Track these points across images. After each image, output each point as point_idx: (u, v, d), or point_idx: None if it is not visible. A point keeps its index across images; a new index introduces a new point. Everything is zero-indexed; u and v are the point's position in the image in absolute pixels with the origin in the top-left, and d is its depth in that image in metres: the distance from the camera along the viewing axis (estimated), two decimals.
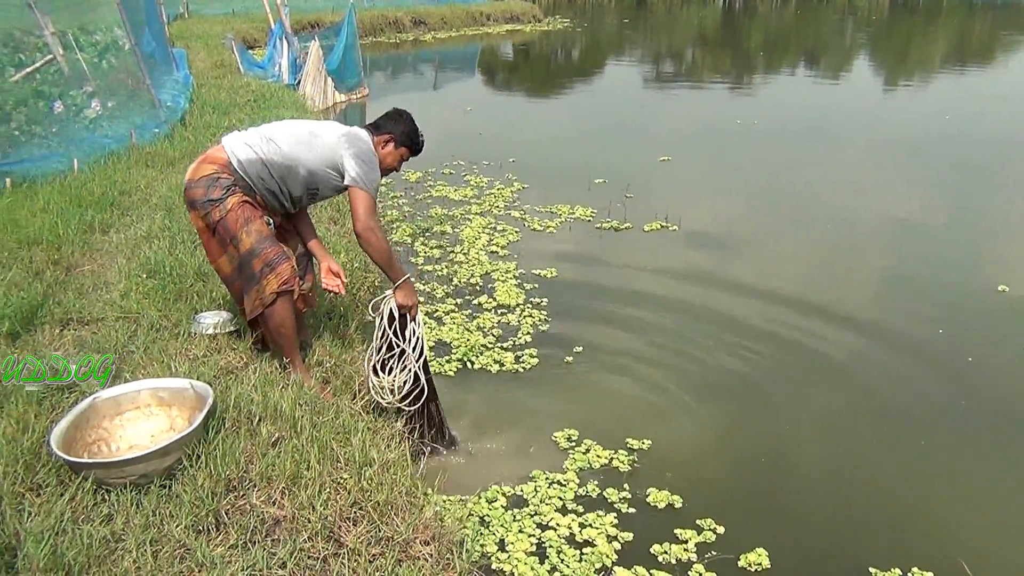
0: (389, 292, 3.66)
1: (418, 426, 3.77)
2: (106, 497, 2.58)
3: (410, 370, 3.66)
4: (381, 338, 3.67)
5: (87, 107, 7.60)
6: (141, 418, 3.02)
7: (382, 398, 3.67)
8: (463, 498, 3.51)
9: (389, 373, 3.67)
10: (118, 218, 5.56)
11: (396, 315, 3.64)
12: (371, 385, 3.69)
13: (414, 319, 3.68)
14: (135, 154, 7.08)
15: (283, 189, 3.54)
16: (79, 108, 7.56)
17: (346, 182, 3.52)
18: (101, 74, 8.34)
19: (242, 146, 3.49)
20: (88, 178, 6.23)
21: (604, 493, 3.65)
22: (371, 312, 3.75)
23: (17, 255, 4.64)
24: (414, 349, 3.66)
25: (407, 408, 3.69)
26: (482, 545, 3.26)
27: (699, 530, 3.42)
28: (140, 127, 7.75)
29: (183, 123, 8.43)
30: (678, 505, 3.59)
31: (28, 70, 7.45)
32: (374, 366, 3.70)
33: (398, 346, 3.65)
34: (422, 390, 3.71)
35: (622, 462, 3.88)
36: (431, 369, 4.04)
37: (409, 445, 3.53)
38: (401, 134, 3.70)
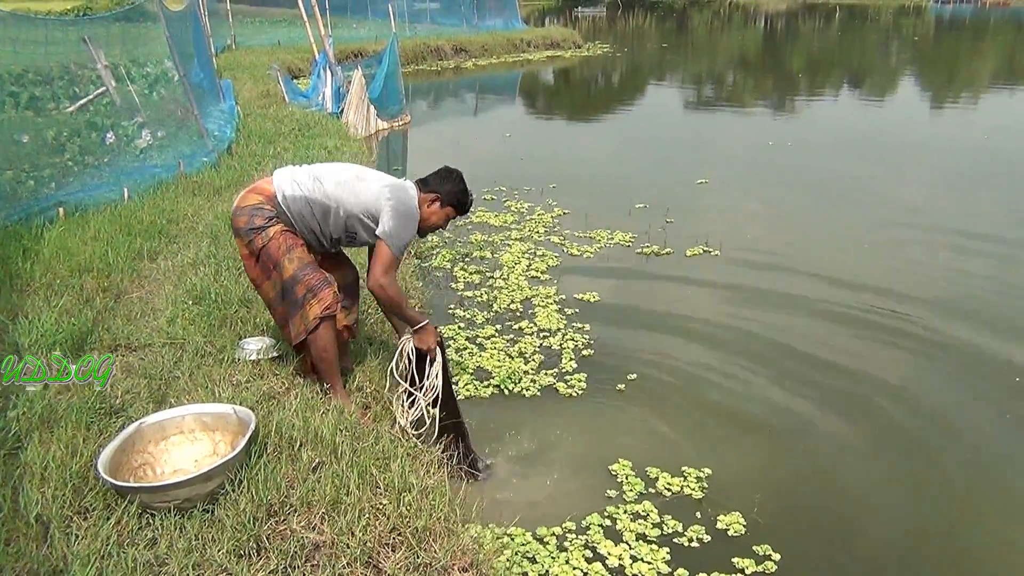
0: (407, 335, 3.77)
1: (451, 454, 3.81)
2: (151, 521, 2.62)
3: (422, 408, 3.75)
4: (402, 375, 3.80)
5: (138, 137, 7.81)
6: (185, 443, 3.07)
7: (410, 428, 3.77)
8: (505, 530, 3.49)
9: (411, 407, 3.78)
10: (166, 246, 5.68)
11: (413, 358, 3.75)
12: (398, 416, 3.80)
13: (433, 361, 3.75)
14: (183, 183, 7.24)
15: (323, 229, 3.60)
16: (130, 139, 7.77)
17: (377, 232, 3.54)
18: (151, 105, 8.58)
19: (290, 182, 3.56)
20: (137, 207, 6.38)
21: (664, 522, 3.60)
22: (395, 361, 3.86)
23: (69, 282, 4.76)
24: (427, 391, 3.75)
25: (422, 443, 3.75)
26: (525, 575, 3.25)
27: (757, 559, 3.37)
28: (188, 157, 7.92)
29: (229, 152, 8.61)
30: (733, 532, 3.54)
31: (82, 102, 7.70)
32: (401, 400, 3.82)
33: (406, 385, 3.79)
34: (435, 428, 3.78)
35: (693, 489, 3.83)
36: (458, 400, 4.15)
37: (448, 471, 3.54)
38: (448, 193, 3.71)
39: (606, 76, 23.86)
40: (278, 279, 3.54)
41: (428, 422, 3.75)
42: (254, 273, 3.63)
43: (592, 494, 3.81)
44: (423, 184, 3.73)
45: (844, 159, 11.38)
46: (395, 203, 3.55)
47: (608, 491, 3.82)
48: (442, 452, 3.74)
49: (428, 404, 3.75)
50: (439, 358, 3.79)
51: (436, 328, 3.85)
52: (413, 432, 3.72)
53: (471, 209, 3.92)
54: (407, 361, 3.76)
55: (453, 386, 4.08)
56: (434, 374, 3.76)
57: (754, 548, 3.43)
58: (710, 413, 4.57)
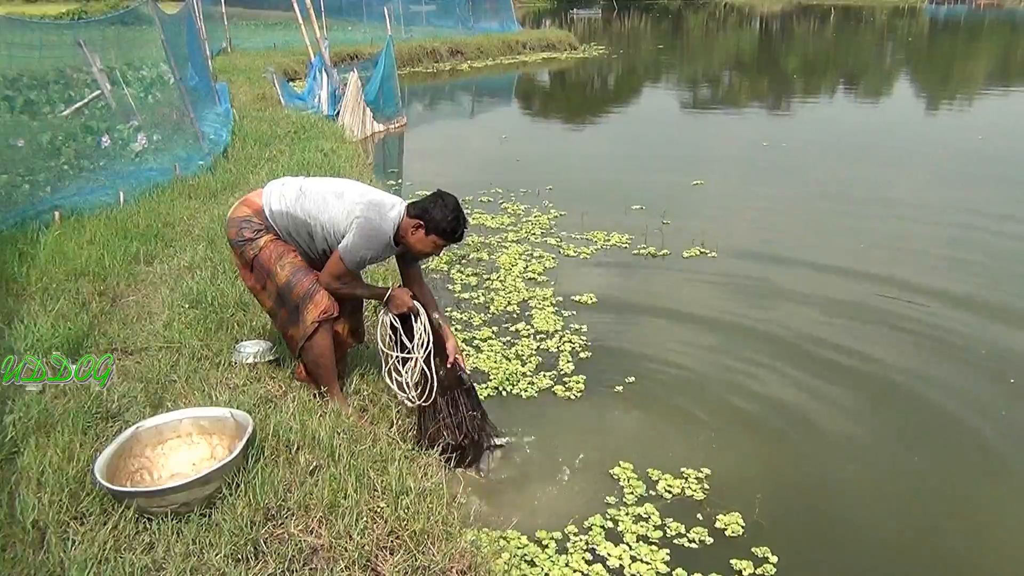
0: (382, 311, 3.81)
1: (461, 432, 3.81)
2: (148, 526, 2.61)
3: (417, 365, 3.76)
4: (389, 345, 3.83)
5: (133, 141, 7.79)
6: (183, 447, 3.06)
7: (408, 398, 3.82)
8: (502, 533, 3.47)
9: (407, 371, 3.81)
10: (162, 249, 5.67)
11: (398, 324, 3.78)
12: (393, 386, 3.84)
13: (417, 318, 3.76)
14: (179, 186, 7.22)
15: (310, 244, 3.59)
16: (126, 142, 7.75)
17: (339, 245, 3.49)
18: (147, 108, 8.57)
19: (278, 196, 3.54)
20: (133, 210, 6.37)
21: (666, 525, 3.57)
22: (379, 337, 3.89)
23: (65, 286, 4.74)
24: (419, 346, 3.75)
25: (423, 403, 3.78)
26: None
27: (756, 561, 3.35)
28: (184, 160, 7.90)
29: (225, 155, 8.58)
30: (732, 533, 3.53)
31: (77, 106, 7.69)
32: (391, 368, 3.84)
33: (393, 348, 3.82)
34: (432, 384, 3.76)
35: (695, 490, 3.81)
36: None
37: (446, 474, 3.53)
38: (431, 220, 3.47)
39: (602, 78, 23.87)
40: (273, 288, 3.54)
41: (429, 376, 3.75)
42: (251, 283, 3.64)
43: (593, 497, 3.79)
44: (412, 208, 3.55)
45: (839, 160, 11.40)
46: (363, 221, 3.43)
47: (609, 494, 3.80)
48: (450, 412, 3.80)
49: (422, 358, 3.74)
50: (422, 313, 3.77)
51: (403, 287, 3.82)
52: (415, 395, 3.76)
53: (464, 238, 3.72)
54: (391, 332, 3.78)
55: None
56: (421, 329, 3.75)
57: (753, 550, 3.41)
58: (709, 413, 4.55)
